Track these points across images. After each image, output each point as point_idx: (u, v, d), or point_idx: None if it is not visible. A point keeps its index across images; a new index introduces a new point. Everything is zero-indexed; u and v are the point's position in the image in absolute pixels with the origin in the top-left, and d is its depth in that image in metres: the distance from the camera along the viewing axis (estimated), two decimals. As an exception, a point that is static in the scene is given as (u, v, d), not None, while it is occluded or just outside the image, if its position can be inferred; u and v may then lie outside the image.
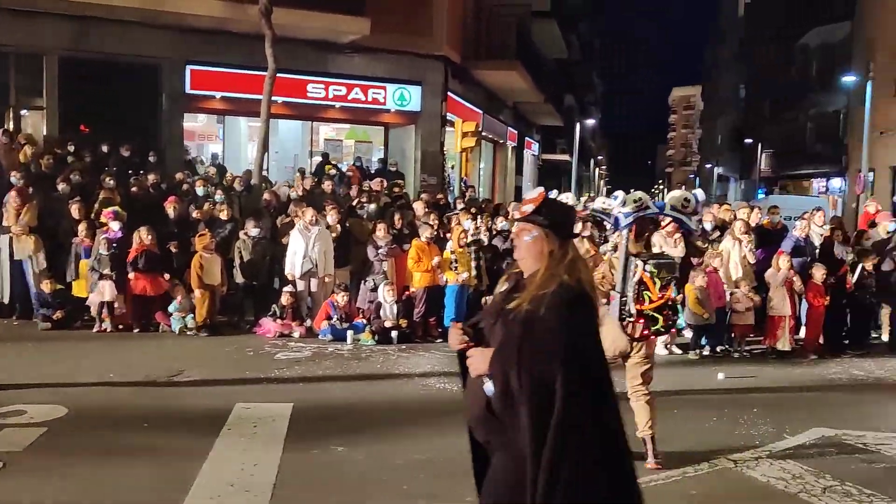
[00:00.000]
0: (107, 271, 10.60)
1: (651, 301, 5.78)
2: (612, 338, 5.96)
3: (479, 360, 2.84)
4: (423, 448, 6.06)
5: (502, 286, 3.00)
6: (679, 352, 10.32)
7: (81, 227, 11.04)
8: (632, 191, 6.36)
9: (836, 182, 34.40)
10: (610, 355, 6.04)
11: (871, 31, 29.21)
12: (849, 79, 28.95)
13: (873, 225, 12.04)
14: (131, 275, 10.62)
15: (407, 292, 11.12)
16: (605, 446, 2.71)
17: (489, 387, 2.77)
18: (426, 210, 12.57)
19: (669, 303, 5.84)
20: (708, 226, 11.77)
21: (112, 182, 12.64)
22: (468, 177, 22.97)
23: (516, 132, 31.48)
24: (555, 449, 2.59)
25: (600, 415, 2.72)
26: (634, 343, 5.90)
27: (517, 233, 2.97)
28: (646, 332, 5.82)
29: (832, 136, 35.57)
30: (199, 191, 13.10)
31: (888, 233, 11.41)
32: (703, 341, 10.39)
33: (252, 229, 11.30)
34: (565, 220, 2.97)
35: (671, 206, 6.16)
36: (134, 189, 12.96)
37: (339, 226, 11.63)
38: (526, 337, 2.71)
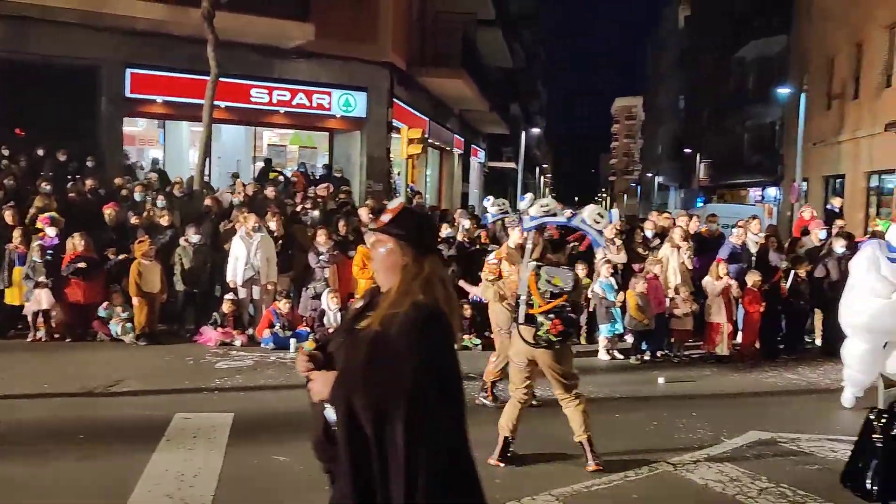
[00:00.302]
0: (42, 279, 10.32)
1: (539, 306, 5.84)
2: (516, 342, 6.10)
3: (320, 384, 2.64)
4: (367, 456, 6.03)
5: (357, 302, 2.84)
6: (621, 357, 10.49)
7: (16, 234, 10.72)
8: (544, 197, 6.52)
9: (772, 191, 35.36)
10: (517, 360, 6.15)
11: (806, 45, 30.16)
12: (784, 91, 29.82)
13: (806, 232, 12.41)
14: (75, 274, 10.34)
15: (351, 300, 11.06)
16: (462, 466, 2.61)
17: (330, 413, 2.61)
18: (371, 217, 12.52)
19: (565, 312, 5.81)
20: (649, 233, 12.01)
21: (48, 187, 12.32)
22: (415, 183, 22.99)
23: (462, 140, 31.66)
24: (409, 475, 2.47)
25: (457, 435, 2.61)
26: (535, 348, 5.92)
27: (372, 245, 2.82)
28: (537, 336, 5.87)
29: (768, 147, 36.55)
30: (138, 196, 12.86)
31: (820, 240, 11.77)
32: (644, 346, 10.57)
33: (193, 236, 11.12)
34: (423, 233, 2.77)
35: (583, 218, 6.27)
36: (72, 195, 12.65)
37: (281, 231, 11.52)
38: (373, 359, 2.56)
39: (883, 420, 3.69)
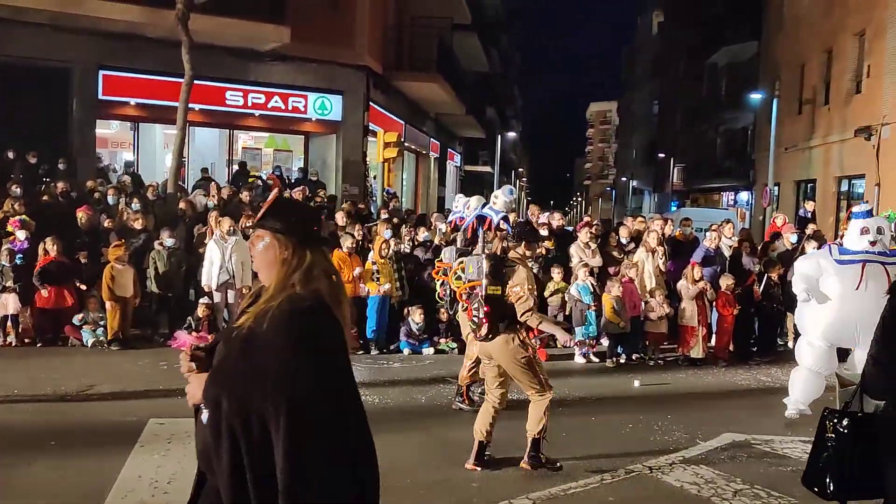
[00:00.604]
0: (10, 283, 10.16)
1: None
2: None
3: (195, 386, 2.51)
4: (344, 461, 6.01)
5: (246, 302, 2.64)
6: (596, 360, 10.54)
7: (-16, 237, 10.58)
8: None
9: (744, 195, 35.74)
10: (482, 358, 6.26)
11: (777, 51, 30.53)
12: (756, 97, 30.16)
13: (777, 236, 12.56)
14: (44, 291, 10.20)
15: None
16: (341, 470, 2.38)
17: (205, 416, 2.45)
18: (347, 220, 12.49)
19: (476, 300, 5.91)
20: (624, 240, 12.09)
21: (18, 190, 12.15)
22: (391, 186, 22.99)
23: (439, 143, 31.68)
24: (284, 482, 2.29)
25: (337, 437, 2.38)
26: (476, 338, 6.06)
27: (251, 241, 2.64)
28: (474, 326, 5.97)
29: (741, 152, 36.95)
30: (111, 199, 12.73)
31: (792, 244, 11.92)
32: (620, 349, 10.63)
33: (167, 239, 11.02)
34: (302, 223, 2.58)
35: (489, 205, 6.56)
36: (45, 198, 12.50)
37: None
38: (243, 357, 2.40)
39: (835, 420, 3.74)
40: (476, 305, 5.92)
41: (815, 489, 3.83)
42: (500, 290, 5.84)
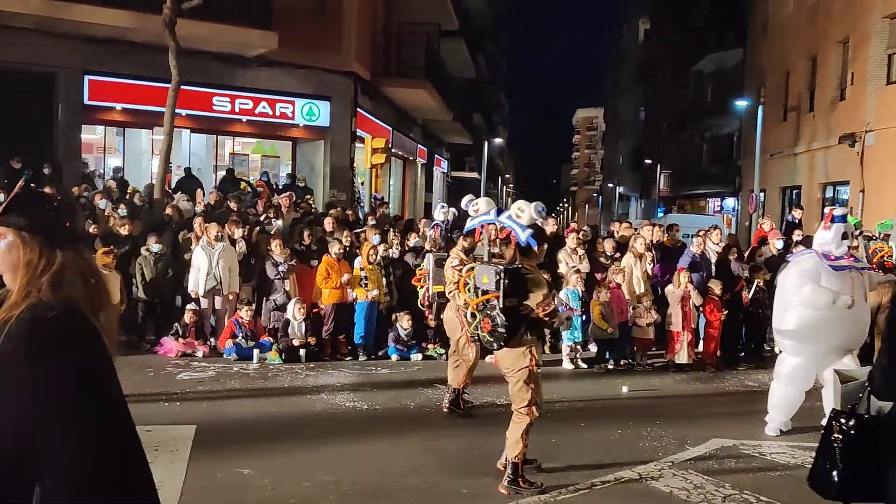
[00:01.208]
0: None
1: (466, 303, 5.97)
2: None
3: None
4: (331, 468, 5.97)
5: None
6: (584, 366, 10.55)
7: (-32, 243, 10.46)
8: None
9: (730, 202, 35.95)
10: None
11: (762, 58, 30.77)
12: (741, 103, 30.37)
13: (764, 241, 12.62)
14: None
15: (315, 309, 10.98)
16: (97, 485, 2.11)
17: None
18: (334, 226, 12.46)
19: (491, 312, 5.64)
20: (609, 252, 12.08)
21: (2, 195, 12.04)
22: (378, 192, 22.98)
23: (426, 149, 31.71)
24: None
25: (89, 454, 2.10)
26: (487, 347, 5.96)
27: None
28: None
29: (727, 158, 37.18)
30: (102, 204, 12.67)
31: (778, 250, 11.98)
32: (607, 355, 10.64)
33: (154, 245, 10.95)
34: (50, 219, 2.24)
35: (508, 214, 6.22)
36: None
37: (243, 242, 11.39)
38: None
39: (842, 420, 3.75)
40: (494, 317, 5.63)
41: (820, 490, 3.82)
42: (517, 302, 5.65)
